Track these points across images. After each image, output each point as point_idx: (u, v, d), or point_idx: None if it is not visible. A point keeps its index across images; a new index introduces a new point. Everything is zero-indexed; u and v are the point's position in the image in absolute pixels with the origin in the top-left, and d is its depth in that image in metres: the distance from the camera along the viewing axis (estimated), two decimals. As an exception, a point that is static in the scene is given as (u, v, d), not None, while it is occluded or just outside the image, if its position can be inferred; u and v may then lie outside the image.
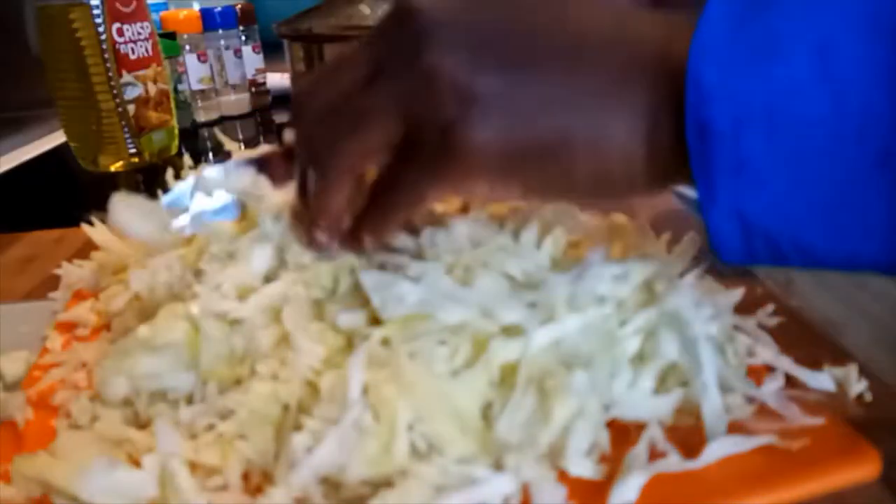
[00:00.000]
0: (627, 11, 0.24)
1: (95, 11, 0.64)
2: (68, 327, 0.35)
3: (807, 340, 0.30)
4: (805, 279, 0.39)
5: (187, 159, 0.43)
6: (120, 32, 0.66)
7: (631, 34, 0.23)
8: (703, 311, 0.26)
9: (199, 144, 0.83)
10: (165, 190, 0.41)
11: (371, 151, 0.25)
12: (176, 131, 0.75)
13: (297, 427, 0.23)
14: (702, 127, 0.20)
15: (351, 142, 0.25)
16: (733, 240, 0.22)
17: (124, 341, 0.26)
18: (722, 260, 0.23)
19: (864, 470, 0.23)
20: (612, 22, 0.23)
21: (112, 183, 0.69)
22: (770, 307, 0.31)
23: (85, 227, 0.40)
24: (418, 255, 0.27)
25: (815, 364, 0.28)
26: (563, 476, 0.23)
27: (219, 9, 0.87)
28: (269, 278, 0.28)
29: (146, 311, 0.29)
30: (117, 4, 0.65)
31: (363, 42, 0.26)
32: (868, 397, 0.27)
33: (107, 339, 0.32)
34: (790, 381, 0.27)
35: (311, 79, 0.27)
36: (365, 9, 0.66)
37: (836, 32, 0.19)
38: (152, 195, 0.41)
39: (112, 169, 0.70)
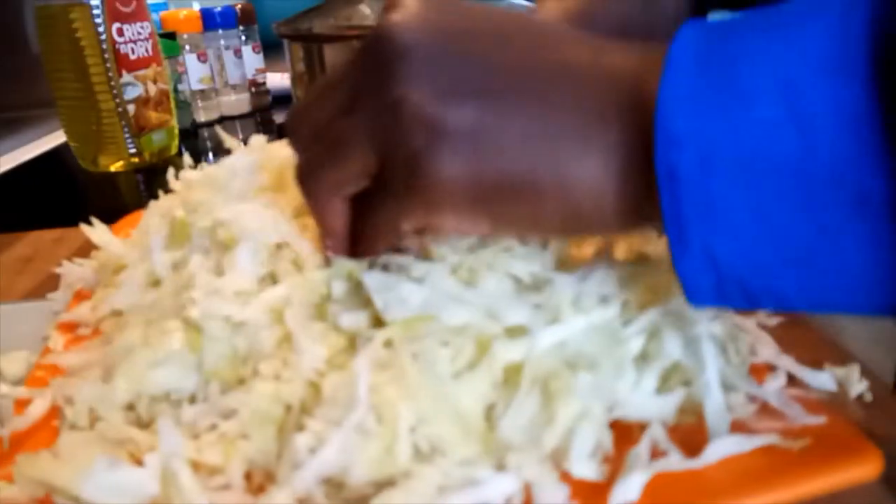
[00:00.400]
0: (600, 47, 0.24)
1: (95, 11, 0.64)
2: (70, 327, 0.35)
3: (807, 340, 0.30)
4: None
5: (187, 159, 0.43)
6: (120, 32, 0.66)
7: (603, 72, 0.23)
8: (706, 310, 0.26)
9: (199, 144, 0.83)
10: (166, 190, 0.41)
11: (348, 180, 0.25)
12: (176, 131, 0.74)
13: (300, 427, 0.22)
14: (671, 171, 0.20)
15: (329, 171, 0.26)
16: (706, 285, 0.21)
17: (125, 361, 0.26)
18: (693, 304, 0.22)
19: (866, 468, 0.23)
20: (586, 58, 0.23)
21: (112, 183, 0.69)
22: None
23: (84, 227, 0.40)
24: (422, 255, 0.27)
25: (815, 364, 0.28)
26: (565, 476, 0.22)
27: (219, 9, 0.87)
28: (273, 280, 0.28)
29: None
30: (117, 4, 0.65)
31: (346, 64, 0.26)
32: (868, 397, 0.27)
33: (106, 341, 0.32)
34: (791, 381, 0.27)
35: (300, 103, 0.28)
36: (365, 9, 0.66)
37: (800, 73, 0.19)
38: (152, 195, 0.41)
39: (112, 169, 0.70)
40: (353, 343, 0.25)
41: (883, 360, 0.34)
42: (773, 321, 0.30)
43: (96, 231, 0.39)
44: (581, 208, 0.22)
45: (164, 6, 0.93)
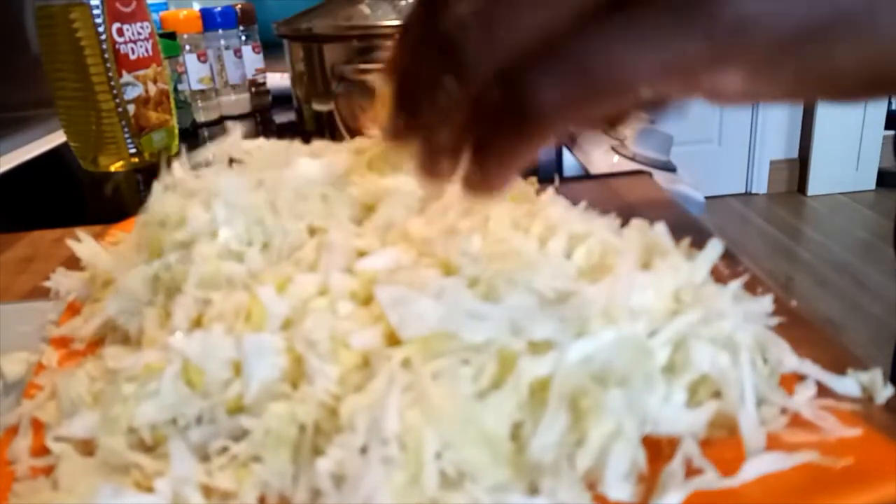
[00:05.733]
0: None
1: (95, 11, 0.61)
2: (64, 342, 0.33)
3: (807, 341, 0.28)
4: (805, 279, 0.37)
5: (178, 165, 0.41)
6: (120, 32, 0.63)
7: None
8: (735, 319, 0.24)
9: (199, 144, 0.80)
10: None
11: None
12: (176, 131, 0.72)
13: (316, 449, 0.20)
14: None
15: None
16: None
17: (113, 400, 0.23)
18: None
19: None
20: None
21: (112, 183, 0.67)
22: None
23: (70, 242, 0.37)
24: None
25: (829, 367, 0.26)
26: (598, 498, 0.21)
27: (219, 9, 0.84)
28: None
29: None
30: (117, 4, 0.63)
31: None
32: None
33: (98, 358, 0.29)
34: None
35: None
36: (365, 9, 0.64)
37: None
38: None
39: (112, 169, 0.68)
40: (366, 361, 0.23)
41: (883, 361, 0.32)
42: (773, 321, 0.28)
43: (83, 246, 0.36)
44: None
45: (164, 6, 0.91)
